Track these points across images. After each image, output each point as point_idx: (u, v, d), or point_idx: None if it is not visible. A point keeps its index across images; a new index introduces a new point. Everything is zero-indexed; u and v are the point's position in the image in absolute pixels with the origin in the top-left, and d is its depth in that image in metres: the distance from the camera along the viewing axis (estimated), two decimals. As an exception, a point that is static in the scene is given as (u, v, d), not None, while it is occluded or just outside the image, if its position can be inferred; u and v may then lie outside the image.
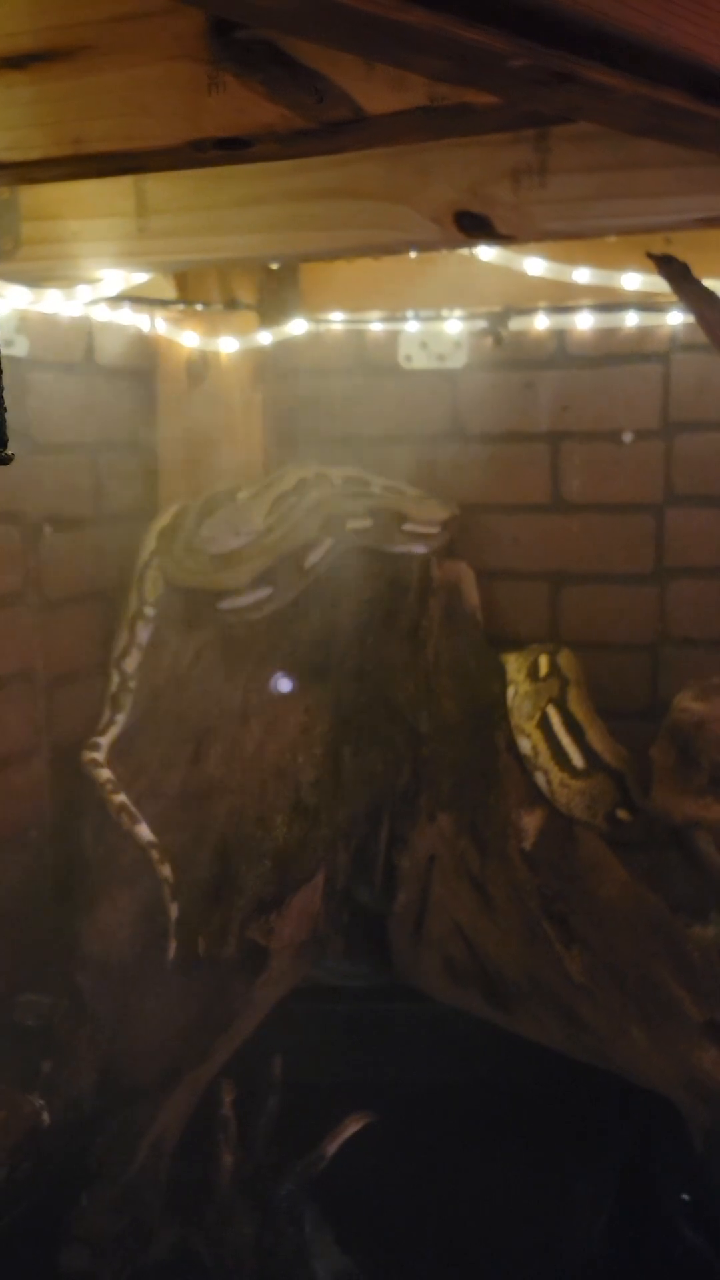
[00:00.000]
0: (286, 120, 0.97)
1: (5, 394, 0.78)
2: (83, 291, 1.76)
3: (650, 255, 1.52)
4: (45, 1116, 1.61)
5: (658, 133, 1.03)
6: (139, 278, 1.81)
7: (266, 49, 0.95)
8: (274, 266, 2.11)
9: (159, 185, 1.47)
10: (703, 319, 1.56)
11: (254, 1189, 1.74)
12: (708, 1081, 1.74)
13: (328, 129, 0.97)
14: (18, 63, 0.99)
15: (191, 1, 0.77)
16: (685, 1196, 1.77)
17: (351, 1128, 1.82)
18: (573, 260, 1.83)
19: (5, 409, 0.79)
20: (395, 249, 1.51)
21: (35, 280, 1.71)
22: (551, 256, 1.83)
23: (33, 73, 1.00)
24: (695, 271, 1.59)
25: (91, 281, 1.73)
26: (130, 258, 1.52)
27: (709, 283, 1.62)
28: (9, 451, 0.80)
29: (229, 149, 1.00)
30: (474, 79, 0.86)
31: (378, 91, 0.95)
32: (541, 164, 1.38)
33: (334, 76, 0.95)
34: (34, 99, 1.01)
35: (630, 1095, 1.83)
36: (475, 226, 1.40)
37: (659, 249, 1.64)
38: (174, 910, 1.85)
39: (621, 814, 1.90)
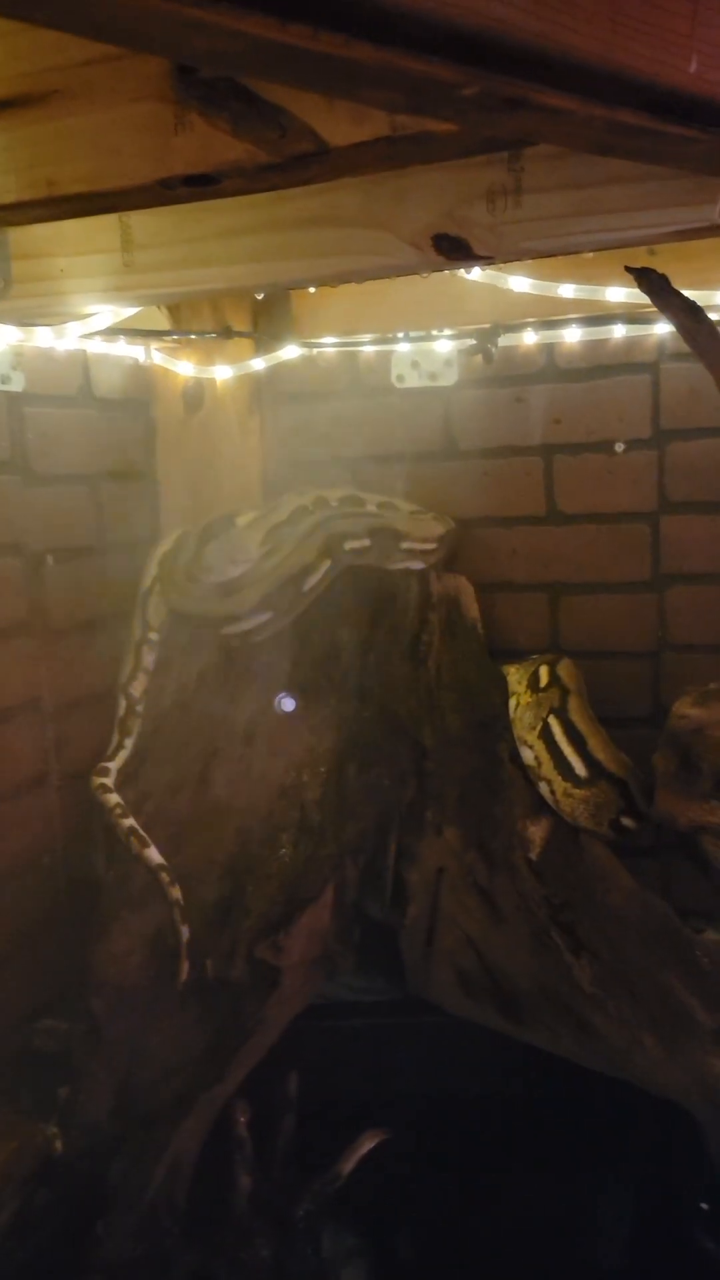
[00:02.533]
0: (252, 155, 1.00)
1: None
2: (73, 327, 1.79)
3: (629, 269, 1.53)
4: (59, 1145, 1.61)
5: (618, 151, 1.05)
6: (129, 311, 1.84)
7: (229, 86, 0.98)
8: (259, 296, 2.14)
9: (143, 220, 1.50)
10: (684, 330, 1.57)
11: (271, 1210, 1.75)
12: (723, 1089, 1.74)
13: (292, 162, 0.99)
14: (-9, 110, 1.03)
15: (147, 49, 0.80)
16: (704, 1205, 1.76)
17: (367, 1145, 1.83)
18: (557, 276, 1.85)
19: None
20: (376, 274, 1.53)
21: (27, 318, 1.74)
22: (536, 274, 1.85)
23: (4, 118, 1.03)
24: (678, 282, 1.60)
25: (81, 317, 1.76)
26: (117, 292, 1.54)
27: (694, 293, 1.63)
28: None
29: (198, 186, 1.03)
30: (427, 109, 0.88)
31: (339, 124, 0.97)
32: (516, 184, 1.40)
33: (296, 111, 0.97)
34: (7, 144, 1.05)
35: (646, 1105, 1.82)
36: (453, 249, 1.41)
37: (642, 261, 1.65)
38: (185, 932, 1.86)
39: (626, 821, 1.91)
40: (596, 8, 0.79)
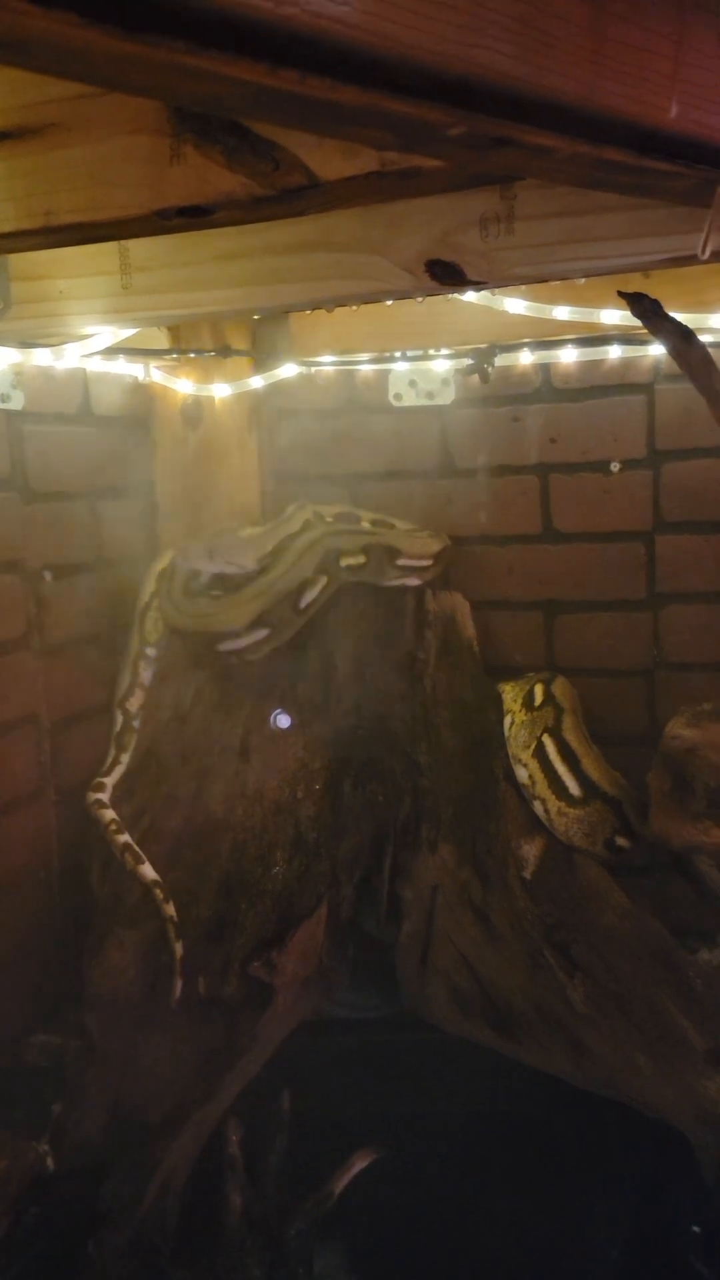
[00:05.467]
0: (245, 188, 1.02)
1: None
2: (73, 347, 1.80)
3: (621, 294, 1.55)
4: (49, 1162, 1.61)
5: (605, 185, 1.06)
6: (129, 330, 1.85)
7: (223, 121, 1.00)
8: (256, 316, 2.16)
9: (141, 244, 1.52)
10: (676, 353, 1.58)
11: (263, 1229, 1.75)
12: (716, 1111, 1.74)
13: (285, 195, 1.01)
14: (-11, 142, 1.04)
15: (139, 93, 0.81)
16: (696, 1228, 1.76)
17: (359, 1164, 1.83)
18: (553, 299, 1.87)
19: None
20: (370, 298, 1.55)
21: (26, 339, 1.76)
22: (532, 296, 1.86)
23: (3, 150, 1.05)
24: (671, 305, 1.61)
25: (80, 338, 1.77)
26: (116, 314, 1.56)
27: (686, 317, 1.64)
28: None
29: (192, 216, 1.04)
30: (415, 147, 0.90)
31: (330, 159, 0.99)
32: (509, 211, 1.42)
33: (288, 145, 0.99)
34: (5, 174, 1.06)
35: (640, 1126, 1.82)
36: (446, 274, 1.43)
37: (636, 284, 1.67)
38: (179, 949, 1.87)
39: (620, 841, 1.91)
40: (579, 52, 0.81)
